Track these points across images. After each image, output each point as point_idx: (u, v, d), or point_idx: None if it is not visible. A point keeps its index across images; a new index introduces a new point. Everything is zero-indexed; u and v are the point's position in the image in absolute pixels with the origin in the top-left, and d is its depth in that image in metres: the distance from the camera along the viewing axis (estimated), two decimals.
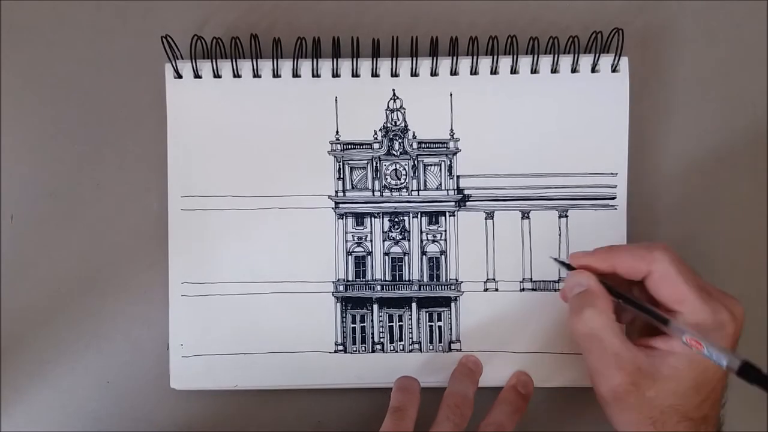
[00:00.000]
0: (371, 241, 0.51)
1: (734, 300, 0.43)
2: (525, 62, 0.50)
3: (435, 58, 0.50)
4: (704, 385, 0.42)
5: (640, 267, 0.43)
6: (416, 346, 0.51)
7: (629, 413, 0.43)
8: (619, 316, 0.44)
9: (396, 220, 0.51)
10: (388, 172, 0.51)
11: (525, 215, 0.51)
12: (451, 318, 0.51)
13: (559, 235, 0.51)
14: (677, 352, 0.42)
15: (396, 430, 0.44)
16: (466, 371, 0.49)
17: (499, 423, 0.47)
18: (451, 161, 0.51)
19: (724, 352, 0.39)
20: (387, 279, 0.51)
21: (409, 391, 0.47)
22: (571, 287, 0.45)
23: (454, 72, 0.50)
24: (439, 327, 0.51)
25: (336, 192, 0.51)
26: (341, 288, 0.51)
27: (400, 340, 0.51)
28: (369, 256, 0.51)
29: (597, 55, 0.50)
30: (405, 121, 0.51)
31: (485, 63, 0.50)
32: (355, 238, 0.51)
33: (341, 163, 0.51)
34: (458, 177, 0.51)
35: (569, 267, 0.45)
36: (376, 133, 0.51)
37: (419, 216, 0.51)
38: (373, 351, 0.51)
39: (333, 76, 0.50)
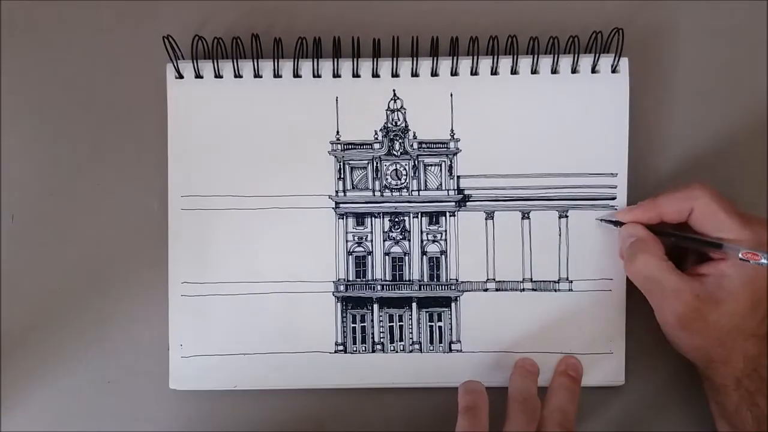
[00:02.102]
0: (372, 241, 0.51)
1: None
2: (525, 63, 0.50)
3: (435, 59, 0.50)
4: (761, 302, 0.45)
5: (684, 206, 0.47)
6: (416, 346, 0.51)
7: (697, 337, 0.46)
8: (670, 256, 0.47)
9: (396, 220, 0.51)
10: (388, 172, 0.51)
11: (525, 215, 0.51)
12: (451, 318, 0.51)
13: (560, 235, 0.51)
14: (728, 274, 0.45)
15: (473, 429, 0.45)
16: (525, 372, 0.49)
17: (562, 409, 0.47)
18: (451, 161, 0.51)
19: None
20: (387, 279, 0.51)
21: (478, 392, 0.47)
22: (623, 239, 0.49)
23: (454, 72, 0.50)
24: (440, 327, 0.51)
25: (336, 192, 0.51)
26: (341, 288, 0.51)
27: (401, 340, 0.51)
28: (369, 256, 0.51)
29: (597, 55, 0.50)
30: (405, 122, 0.51)
31: (485, 63, 0.50)
32: (356, 238, 0.51)
33: (342, 163, 0.51)
34: (458, 177, 0.51)
35: (618, 224, 0.49)
36: (376, 133, 0.51)
37: (419, 216, 0.51)
38: (374, 351, 0.51)
39: (334, 76, 0.50)
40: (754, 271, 0.44)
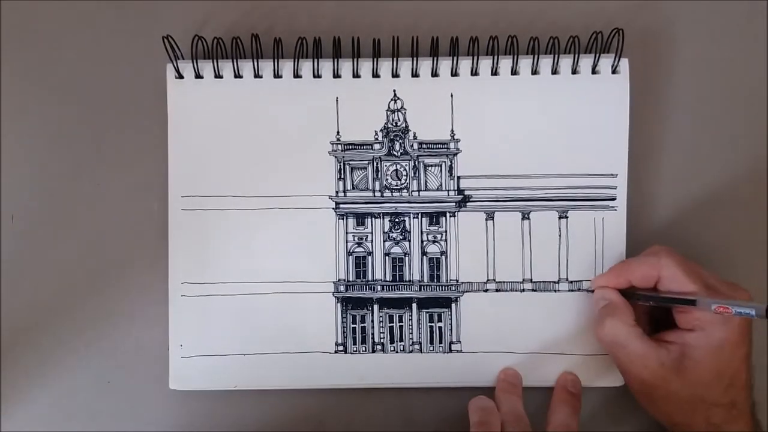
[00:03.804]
0: (372, 241, 0.51)
1: (740, 289, 0.46)
2: (525, 63, 0.50)
3: (436, 59, 0.50)
4: (725, 372, 0.45)
5: (651, 274, 0.47)
6: (416, 346, 0.51)
7: (661, 404, 0.47)
8: (640, 321, 0.48)
9: (396, 220, 0.51)
10: (388, 172, 0.51)
11: (525, 216, 0.51)
12: (451, 319, 0.51)
13: (559, 236, 0.51)
14: (693, 344, 0.45)
15: None
16: (507, 387, 0.49)
17: (566, 425, 0.47)
18: (451, 162, 0.51)
19: (749, 304, 0.42)
20: (387, 279, 0.51)
21: (488, 411, 0.47)
22: (596, 302, 0.49)
23: (454, 73, 0.50)
24: (440, 327, 0.51)
25: (337, 192, 0.51)
26: (342, 288, 0.51)
27: (401, 340, 0.51)
28: (369, 257, 0.51)
29: (597, 55, 0.50)
30: (406, 122, 0.51)
31: (486, 64, 0.50)
32: (356, 239, 0.51)
33: (342, 164, 0.51)
34: (459, 177, 0.51)
35: (591, 291, 0.50)
36: (376, 134, 0.51)
37: (420, 216, 0.51)
38: (374, 351, 0.51)
39: (334, 76, 0.50)
40: (717, 341, 0.44)
